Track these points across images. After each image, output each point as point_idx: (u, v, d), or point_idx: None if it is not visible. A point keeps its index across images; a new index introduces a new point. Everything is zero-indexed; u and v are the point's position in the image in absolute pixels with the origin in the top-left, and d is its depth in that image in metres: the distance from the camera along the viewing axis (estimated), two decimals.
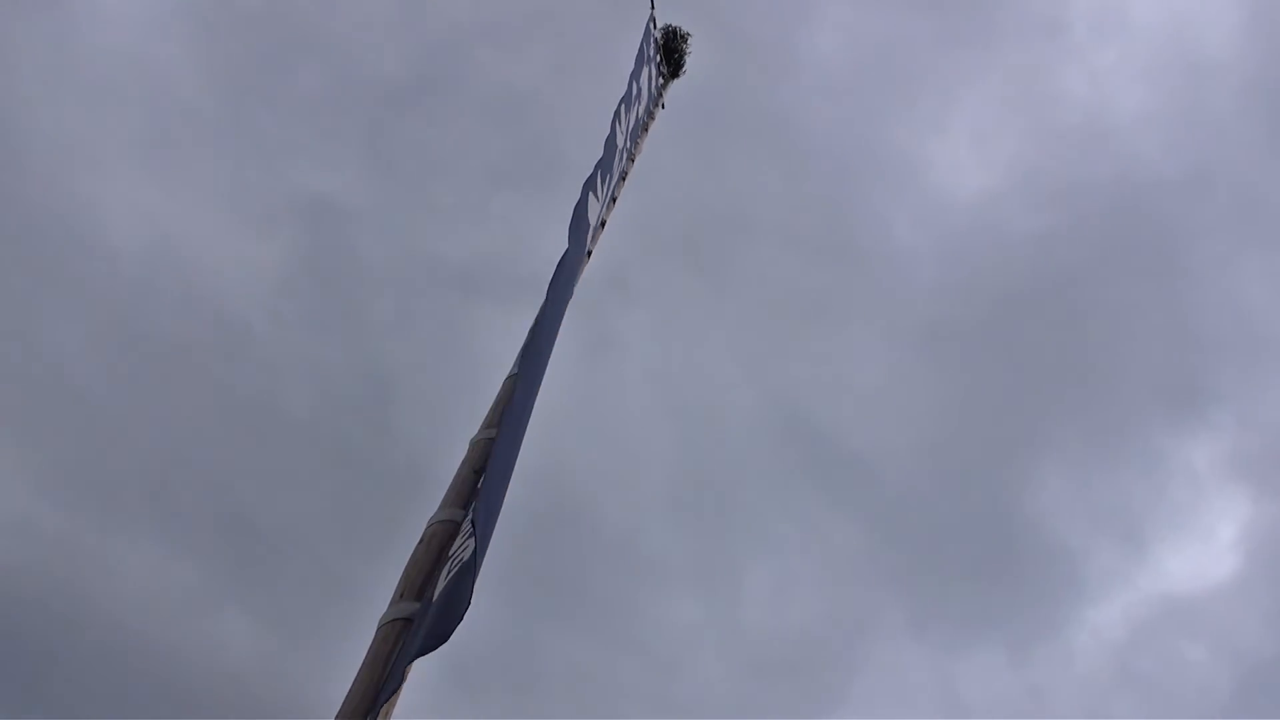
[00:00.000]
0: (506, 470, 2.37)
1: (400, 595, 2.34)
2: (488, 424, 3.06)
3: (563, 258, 3.28)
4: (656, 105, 6.58)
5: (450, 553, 2.19)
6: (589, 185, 3.66)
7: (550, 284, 3.22)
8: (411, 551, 2.50)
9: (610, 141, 4.29)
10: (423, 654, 1.84)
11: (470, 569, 1.89)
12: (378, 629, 2.22)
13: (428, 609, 2.07)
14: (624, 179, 5.12)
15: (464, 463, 2.89)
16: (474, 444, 3.01)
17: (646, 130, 6.15)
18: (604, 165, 4.00)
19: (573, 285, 3.22)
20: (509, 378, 3.36)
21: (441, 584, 2.07)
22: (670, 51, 7.38)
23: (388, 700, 1.87)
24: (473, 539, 2.05)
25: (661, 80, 7.11)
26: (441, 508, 2.71)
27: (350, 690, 2.03)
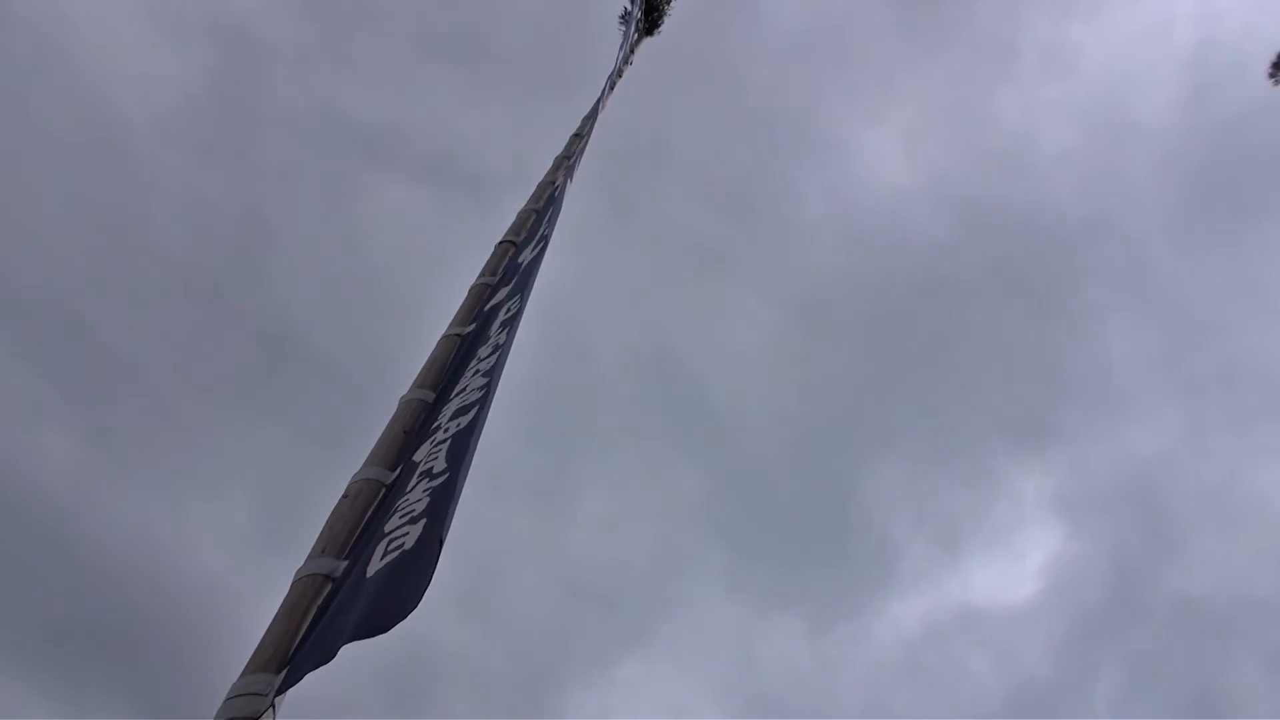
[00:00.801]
0: (468, 459, 2.37)
1: (322, 550, 2.30)
2: (420, 384, 3.02)
3: (538, 255, 3.35)
4: (627, 63, 6.57)
5: (387, 528, 2.20)
6: (568, 171, 3.73)
7: (523, 277, 3.29)
8: (335, 505, 2.53)
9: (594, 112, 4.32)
10: (360, 638, 1.90)
11: (416, 561, 1.97)
12: (294, 581, 2.20)
13: (358, 578, 2.09)
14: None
15: (393, 421, 2.83)
16: (404, 403, 2.91)
17: (614, 88, 6.14)
18: (579, 152, 4.04)
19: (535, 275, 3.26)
20: (447, 337, 3.41)
21: (378, 561, 2.09)
22: (651, 9, 7.36)
23: (312, 669, 1.95)
24: (419, 524, 2.11)
25: (636, 36, 7.09)
26: (367, 465, 2.68)
27: (263, 641, 2.02)
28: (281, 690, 1.90)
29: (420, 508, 2.13)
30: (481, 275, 3.90)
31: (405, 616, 1.75)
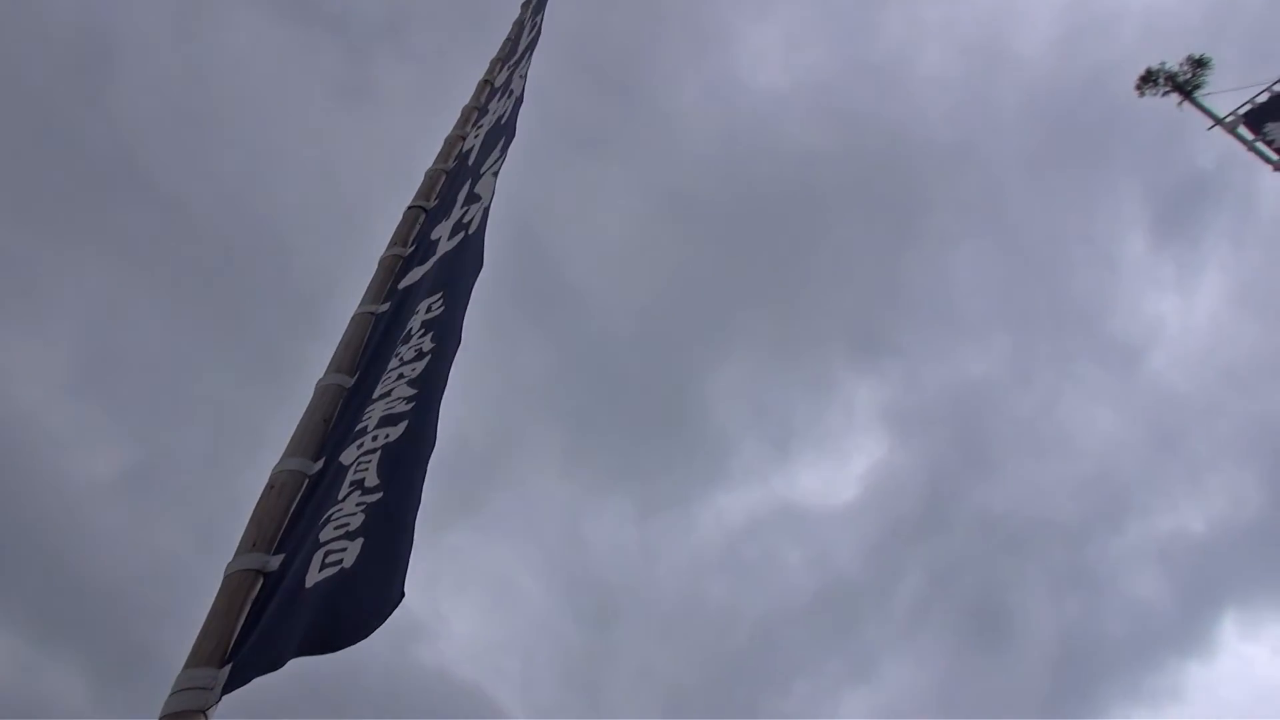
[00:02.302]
0: (408, 482, 2.45)
1: (252, 544, 2.42)
2: (336, 368, 3.11)
3: (460, 246, 3.42)
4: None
5: (322, 537, 2.33)
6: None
7: (444, 269, 3.35)
8: (259, 498, 2.66)
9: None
10: (308, 655, 2.09)
11: (359, 586, 2.14)
12: (227, 576, 2.33)
13: (295, 583, 2.21)
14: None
15: (311, 409, 2.92)
16: (321, 389, 3.01)
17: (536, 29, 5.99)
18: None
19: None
20: (360, 315, 3.48)
21: (316, 573, 2.22)
22: None
23: (259, 675, 2.13)
24: (356, 542, 2.26)
25: None
26: (287, 456, 2.77)
27: (201, 636, 2.17)
28: (228, 689, 2.09)
29: (355, 524, 2.29)
30: (391, 245, 3.95)
31: (353, 644, 1.97)
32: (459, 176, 4.38)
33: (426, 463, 2.41)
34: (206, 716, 2.07)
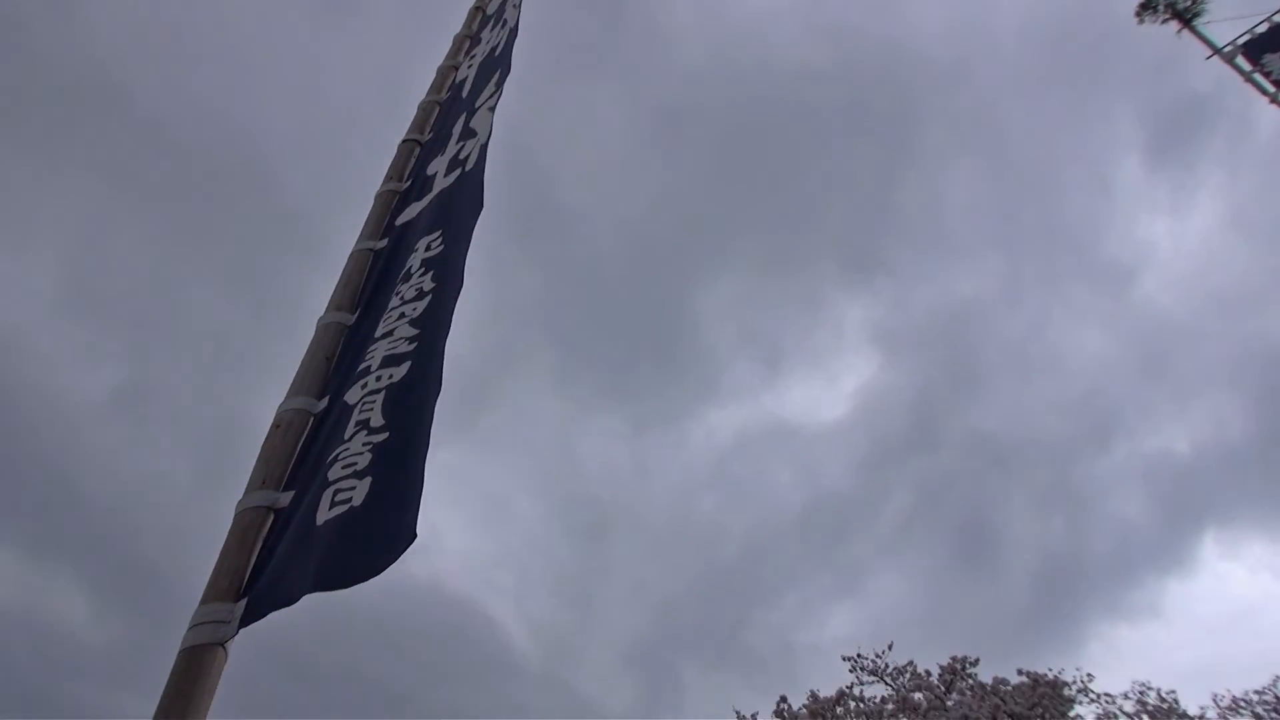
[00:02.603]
0: (414, 424, 2.49)
1: (261, 482, 2.48)
2: (336, 305, 3.15)
3: (458, 181, 3.40)
4: None
5: (330, 476, 2.41)
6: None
7: (441, 207, 3.34)
8: (266, 436, 2.72)
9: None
10: (322, 590, 2.16)
11: (368, 525, 2.21)
12: (238, 514, 2.41)
13: (306, 521, 2.30)
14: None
15: (314, 347, 2.94)
16: (322, 327, 3.03)
17: None
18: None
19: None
20: (358, 252, 3.50)
21: (326, 510, 2.31)
22: None
23: (274, 610, 2.21)
24: (364, 481, 2.33)
25: None
26: (291, 394, 2.81)
27: (216, 571, 2.26)
28: (245, 623, 2.17)
29: (363, 463, 2.36)
30: (386, 180, 3.93)
31: (366, 580, 2.04)
32: (453, 109, 4.33)
33: (433, 405, 2.45)
34: (225, 649, 2.15)
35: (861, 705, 10.77)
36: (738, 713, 14.62)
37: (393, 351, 2.77)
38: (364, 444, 2.44)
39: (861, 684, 16.91)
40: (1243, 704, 19.85)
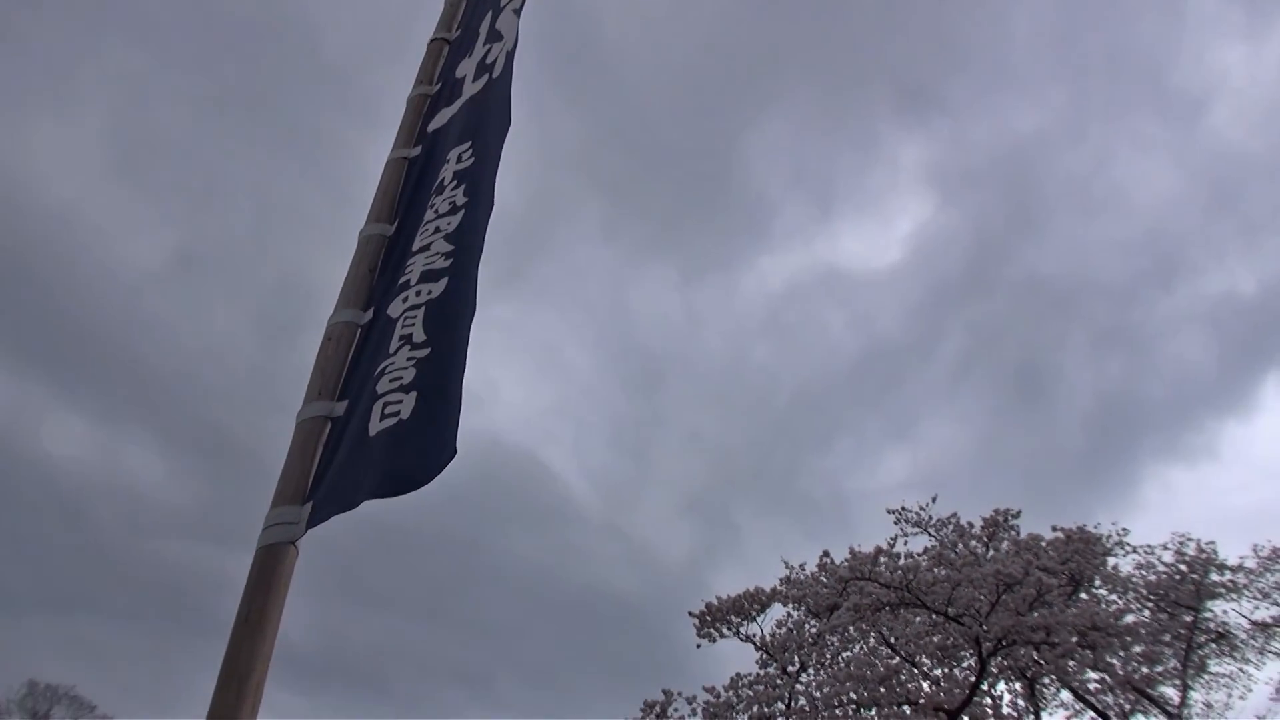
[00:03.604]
0: (452, 340, 2.68)
1: (318, 393, 2.70)
2: (375, 218, 3.32)
3: (486, 86, 3.47)
4: None
5: (379, 389, 2.63)
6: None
7: (474, 114, 3.42)
8: (319, 349, 2.95)
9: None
10: (378, 498, 2.41)
11: (416, 437, 2.43)
12: (298, 424, 2.65)
13: (360, 431, 2.54)
14: None
15: (356, 260, 3.13)
16: (364, 240, 3.18)
17: None
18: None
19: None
20: (393, 161, 3.61)
21: (378, 422, 2.54)
22: None
23: (336, 513, 2.47)
24: (410, 395, 2.54)
25: None
26: (339, 308, 3.00)
27: (282, 478, 2.51)
28: (311, 524, 2.44)
29: (409, 377, 2.57)
30: (417, 84, 4.00)
31: (418, 488, 2.29)
32: (480, 4, 4.33)
33: (469, 326, 2.63)
34: (296, 546, 2.44)
35: (899, 563, 11.28)
36: (785, 562, 15.37)
37: (430, 267, 2.94)
38: (408, 359, 2.65)
39: (906, 535, 17.53)
40: None
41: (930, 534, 17.94)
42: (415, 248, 3.09)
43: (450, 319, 2.69)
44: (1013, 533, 17.06)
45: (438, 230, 3.06)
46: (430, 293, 2.85)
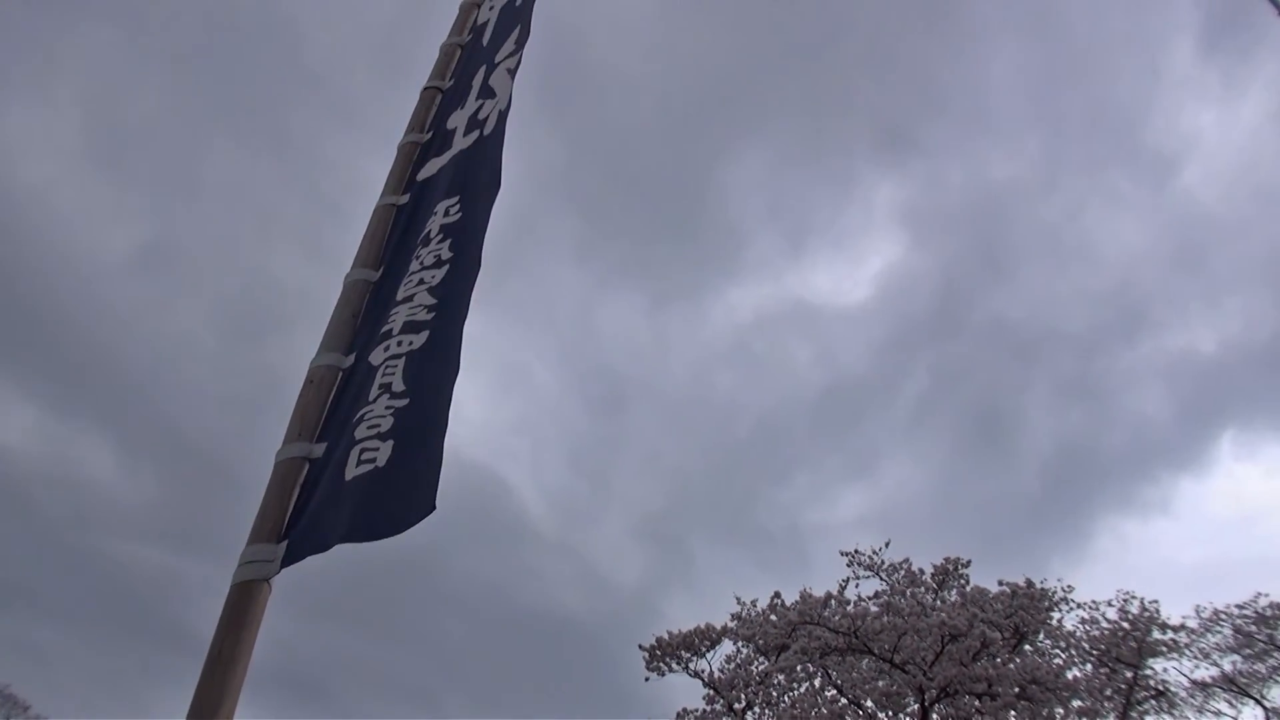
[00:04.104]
0: (433, 399, 2.80)
1: (297, 434, 2.82)
2: (361, 263, 3.44)
3: (477, 143, 3.62)
4: None
5: (357, 435, 2.74)
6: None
7: (460, 169, 3.57)
8: (300, 391, 3.05)
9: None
10: (350, 542, 2.52)
11: (390, 486, 2.55)
12: (276, 464, 2.76)
13: (336, 474, 2.65)
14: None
15: (341, 304, 3.22)
16: (349, 285, 3.29)
17: None
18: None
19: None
20: (382, 207, 3.74)
21: (354, 467, 2.66)
22: None
23: (309, 554, 2.58)
24: (387, 443, 2.66)
25: None
26: (322, 351, 3.10)
27: (258, 520, 2.58)
28: (286, 564, 2.55)
29: (386, 426, 2.68)
30: (409, 131, 4.14)
31: (389, 536, 2.41)
32: (474, 56, 4.49)
33: (452, 386, 2.74)
34: (269, 584, 2.55)
35: (849, 609, 11.50)
36: (737, 598, 15.54)
37: (413, 318, 3.06)
38: (386, 407, 2.76)
39: (858, 578, 17.77)
40: (1223, 616, 20.64)
41: (882, 578, 18.21)
42: (399, 297, 3.21)
43: (431, 375, 2.80)
44: (962, 581, 17.37)
45: (422, 282, 3.19)
46: (411, 344, 2.97)
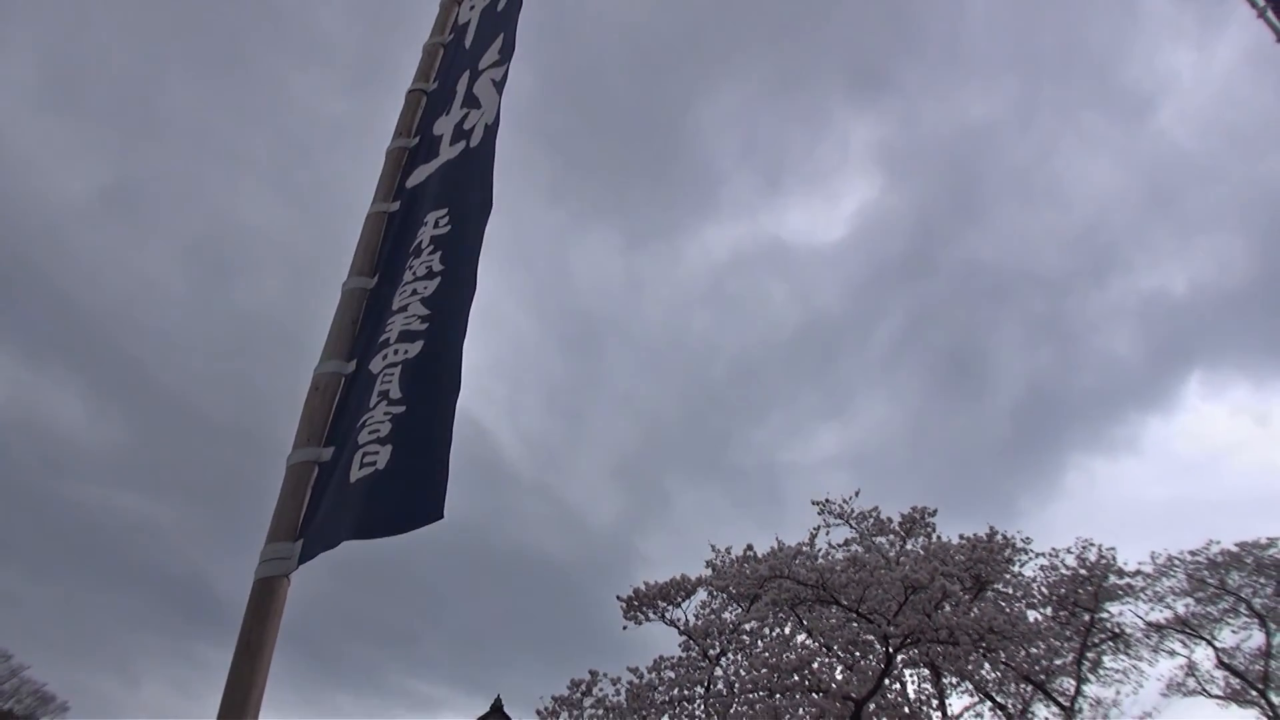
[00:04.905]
0: (433, 407, 3.04)
1: (306, 440, 3.09)
2: (357, 270, 3.67)
3: (463, 153, 3.82)
4: None
5: (360, 440, 3.01)
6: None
7: (447, 180, 3.78)
8: (306, 398, 3.32)
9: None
10: (356, 539, 2.79)
11: (390, 489, 2.81)
12: (289, 468, 3.04)
13: (343, 476, 2.91)
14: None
15: (340, 312, 3.44)
16: (347, 293, 3.52)
17: None
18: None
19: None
20: (373, 215, 3.95)
21: (357, 469, 2.92)
22: None
23: (322, 551, 2.86)
24: (386, 448, 2.92)
25: None
26: (324, 359, 3.33)
27: (274, 520, 2.86)
28: (302, 560, 2.85)
29: (385, 431, 2.92)
30: (396, 136, 4.35)
31: (393, 535, 2.69)
32: (456, 58, 4.66)
33: (453, 401, 2.95)
34: (288, 579, 2.85)
35: (818, 561, 12.02)
36: (712, 545, 16.10)
37: (408, 328, 3.30)
38: (385, 413, 3.02)
39: (829, 526, 18.38)
40: (1177, 562, 21.51)
41: (852, 526, 18.86)
42: (395, 307, 3.46)
43: (427, 385, 3.03)
44: (929, 529, 18.03)
45: (415, 293, 3.43)
46: (407, 352, 3.22)
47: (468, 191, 3.70)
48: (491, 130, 3.89)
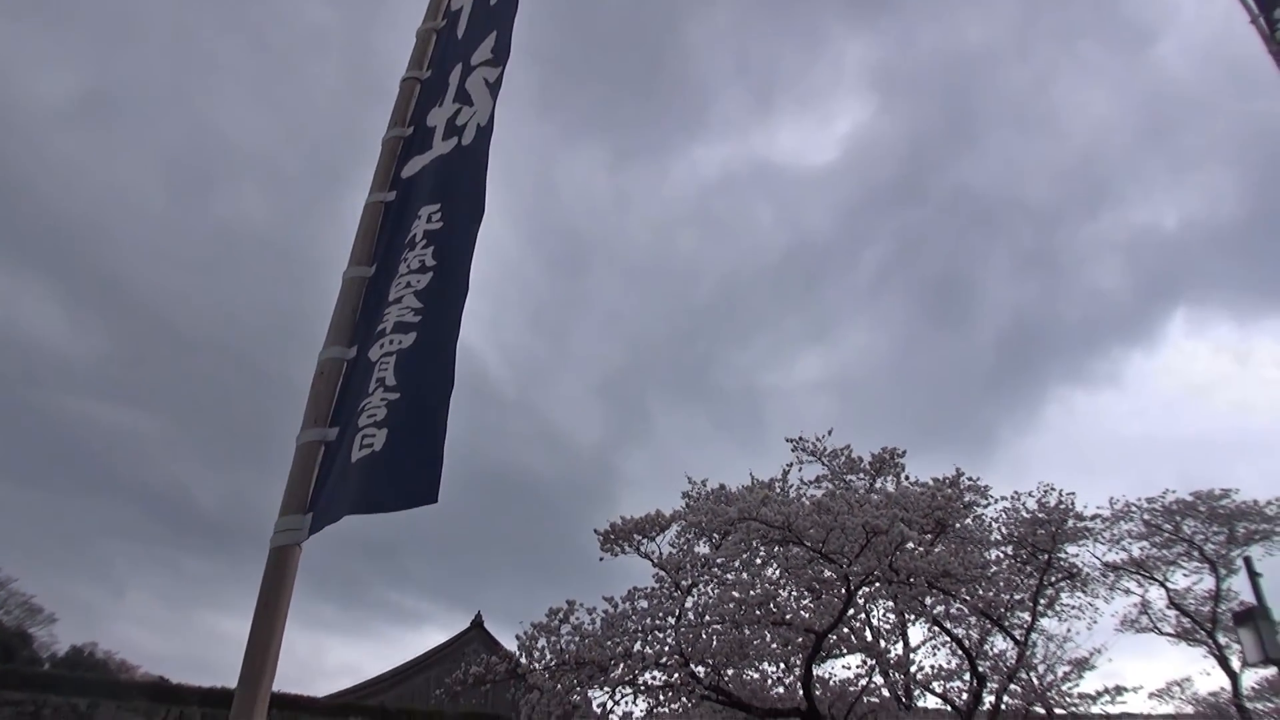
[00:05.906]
0: (426, 396, 3.31)
1: (313, 421, 3.45)
2: (356, 260, 3.99)
3: (454, 149, 4.07)
4: None
5: (360, 423, 3.37)
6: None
7: (441, 175, 4.05)
8: (311, 382, 3.67)
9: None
10: (357, 513, 3.17)
11: (386, 470, 3.18)
12: (297, 448, 3.40)
13: (346, 456, 3.26)
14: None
15: (341, 302, 3.74)
16: (347, 282, 3.80)
17: None
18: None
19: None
20: (370, 204, 4.24)
21: (358, 450, 3.28)
22: None
23: (328, 524, 3.25)
24: (382, 431, 3.29)
25: None
26: (327, 345, 3.61)
27: (288, 491, 3.27)
28: (312, 531, 3.25)
29: (381, 415, 3.22)
30: (391, 125, 4.61)
31: (389, 511, 3.06)
32: (449, 48, 4.88)
33: (447, 394, 3.24)
34: (300, 547, 3.26)
35: (789, 495, 12.65)
36: (689, 478, 16.79)
37: (402, 319, 3.58)
38: (381, 399, 3.31)
39: (801, 463, 19.06)
40: (1134, 508, 22.40)
41: (824, 463, 19.54)
42: (391, 297, 3.77)
43: (419, 375, 3.32)
44: (898, 468, 18.73)
45: (409, 285, 3.73)
46: (401, 343, 3.53)
47: (460, 192, 3.96)
48: (485, 132, 4.13)
